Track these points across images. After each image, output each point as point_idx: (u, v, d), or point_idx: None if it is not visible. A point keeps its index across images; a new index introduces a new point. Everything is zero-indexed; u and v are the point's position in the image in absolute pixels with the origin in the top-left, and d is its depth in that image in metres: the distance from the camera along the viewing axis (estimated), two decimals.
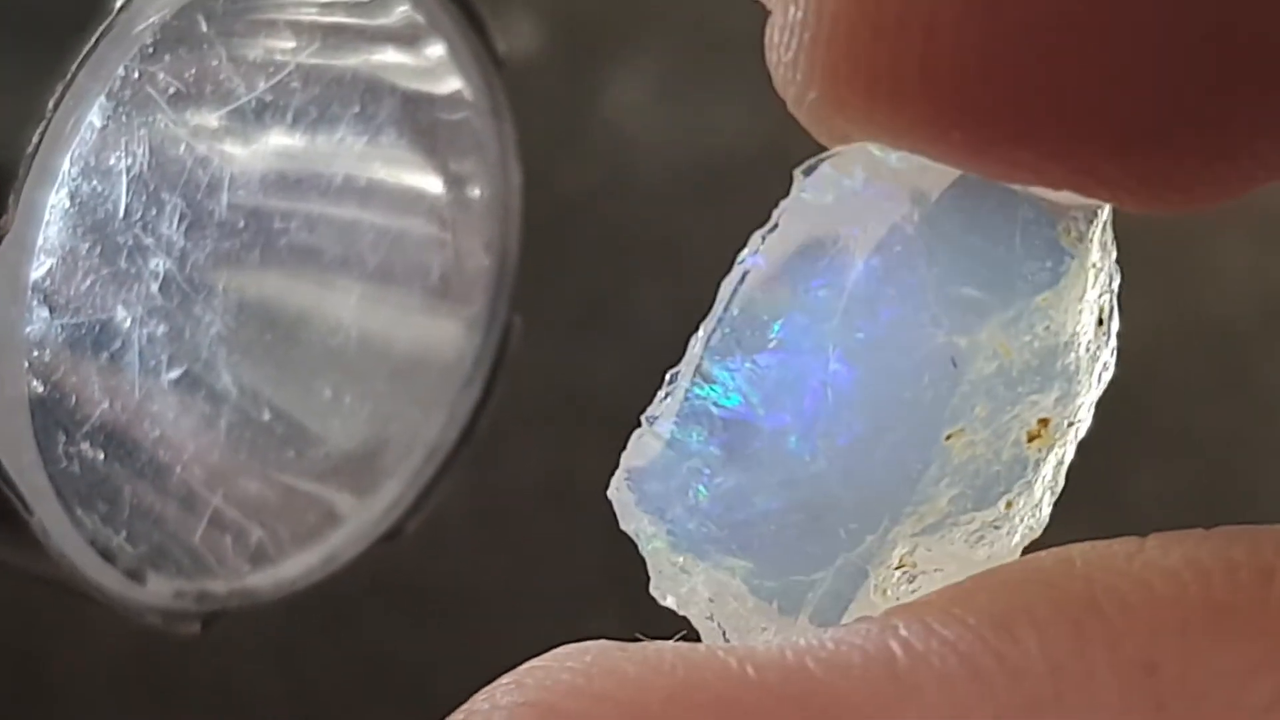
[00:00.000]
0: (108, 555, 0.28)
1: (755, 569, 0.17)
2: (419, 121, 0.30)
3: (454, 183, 0.30)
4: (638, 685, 0.15)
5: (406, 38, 0.29)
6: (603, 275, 0.49)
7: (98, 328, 0.27)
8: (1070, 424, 0.18)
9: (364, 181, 0.30)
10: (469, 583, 0.46)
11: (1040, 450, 0.17)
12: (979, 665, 0.15)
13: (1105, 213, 0.18)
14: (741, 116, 0.46)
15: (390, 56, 0.29)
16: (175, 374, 0.29)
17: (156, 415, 0.29)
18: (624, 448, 0.18)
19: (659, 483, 0.18)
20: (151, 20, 0.26)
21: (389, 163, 0.30)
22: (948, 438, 0.17)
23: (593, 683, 0.15)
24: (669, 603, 0.18)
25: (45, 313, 0.27)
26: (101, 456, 0.28)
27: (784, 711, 0.15)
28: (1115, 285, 0.18)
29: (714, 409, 0.17)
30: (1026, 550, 0.18)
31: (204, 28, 0.27)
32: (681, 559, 0.17)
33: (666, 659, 0.15)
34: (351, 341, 0.31)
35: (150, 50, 0.26)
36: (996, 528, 0.18)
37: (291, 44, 0.28)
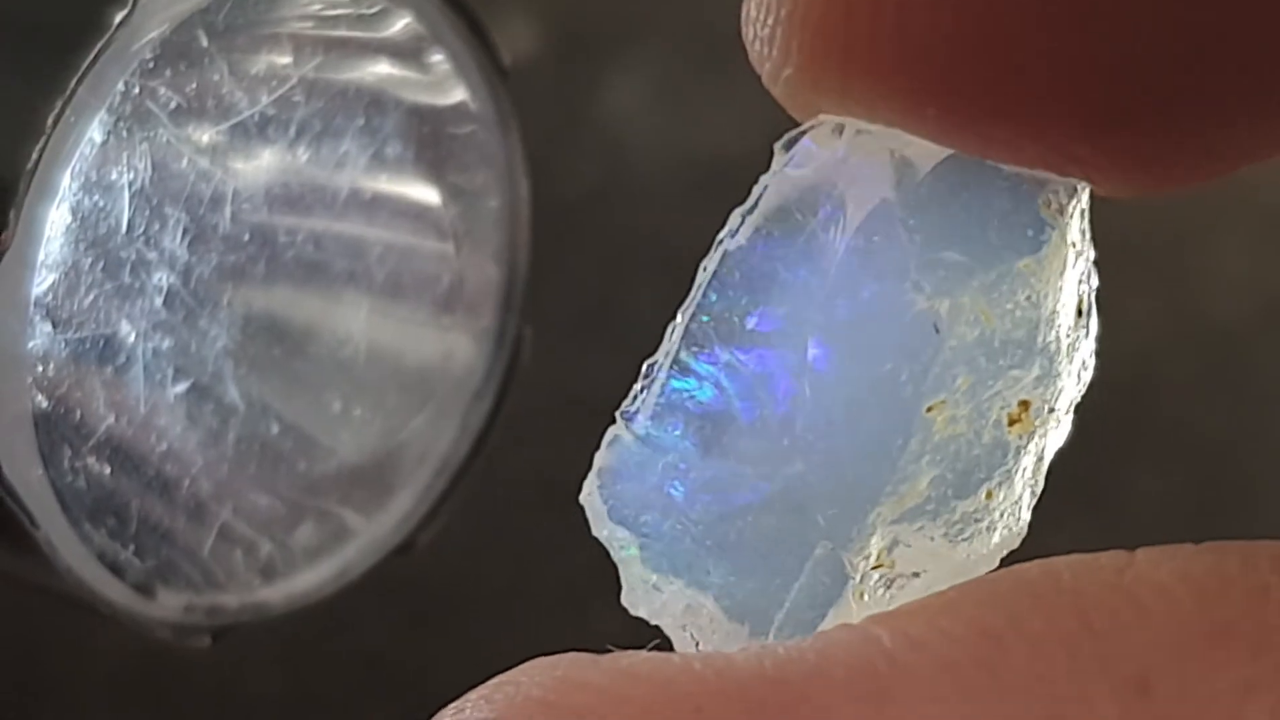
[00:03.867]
0: (116, 569, 0.28)
1: (728, 584, 0.17)
2: (424, 134, 0.30)
3: (461, 195, 0.30)
4: (609, 699, 0.15)
5: (410, 50, 0.29)
6: (602, 279, 0.49)
7: (102, 342, 0.27)
8: (1050, 410, 0.17)
9: (370, 195, 0.30)
10: (469, 585, 0.46)
11: (1021, 437, 0.17)
12: (968, 682, 0.14)
13: (1084, 192, 0.18)
14: (740, 119, 0.46)
15: (394, 69, 0.29)
16: (182, 388, 0.29)
17: (163, 429, 0.28)
18: None
19: (633, 483, 0.17)
20: (151, 35, 0.25)
21: (395, 176, 0.30)
22: (929, 410, 0.17)
23: (563, 698, 0.15)
24: (640, 613, 0.18)
25: (48, 328, 0.27)
26: (108, 471, 0.28)
27: None
28: (1094, 283, 0.18)
29: (690, 402, 0.17)
30: (1010, 560, 0.18)
31: (204, 42, 0.27)
32: (654, 577, 0.17)
33: (640, 670, 0.15)
34: (360, 354, 0.30)
35: (151, 65, 0.26)
36: (977, 520, 0.17)
37: (294, 58, 0.28)
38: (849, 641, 0.15)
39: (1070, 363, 0.17)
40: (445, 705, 0.16)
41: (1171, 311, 0.52)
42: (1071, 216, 0.17)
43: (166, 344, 0.28)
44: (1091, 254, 0.18)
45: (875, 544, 0.17)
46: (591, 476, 0.17)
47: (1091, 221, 0.18)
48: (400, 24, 0.29)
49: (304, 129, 0.29)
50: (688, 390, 0.17)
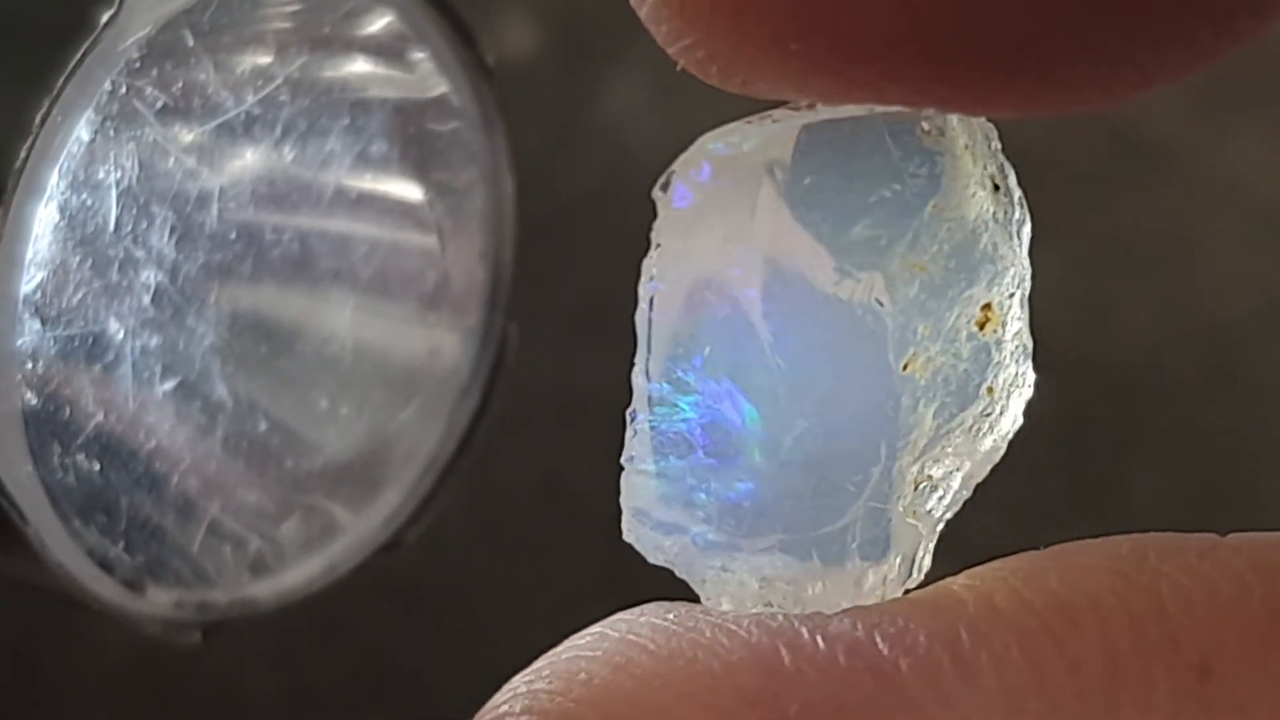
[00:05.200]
0: (106, 566, 0.28)
1: (787, 539, 0.18)
2: (409, 133, 0.30)
3: (447, 194, 0.30)
4: (712, 648, 0.16)
5: (393, 48, 0.29)
6: (598, 278, 0.49)
7: (90, 340, 0.28)
8: (1011, 295, 0.18)
9: (355, 194, 0.30)
10: (467, 584, 0.46)
11: (995, 331, 0.18)
12: (1038, 653, 0.15)
13: None
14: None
15: (378, 67, 0.29)
16: (170, 385, 0.29)
17: (152, 426, 0.29)
18: (619, 449, 0.18)
19: (664, 512, 0.18)
20: (138, 35, 0.26)
21: (380, 174, 0.30)
22: (905, 368, 0.17)
23: (671, 640, 0.16)
24: (725, 607, 0.18)
25: (37, 325, 0.27)
26: (97, 467, 0.28)
27: (848, 684, 0.15)
28: (996, 144, 0.18)
29: (681, 427, 0.18)
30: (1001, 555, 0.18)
31: (190, 42, 0.27)
32: (719, 561, 0.18)
33: (743, 624, 0.16)
34: (347, 352, 0.31)
35: (137, 65, 0.26)
36: (987, 414, 0.18)
37: (279, 57, 0.29)
38: (936, 605, 0.16)
39: (1010, 240, 0.18)
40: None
41: (1172, 311, 0.52)
42: (951, 130, 0.18)
43: (154, 341, 0.28)
44: (985, 132, 0.18)
45: (910, 481, 0.18)
46: (627, 517, 0.18)
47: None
48: (383, 23, 0.29)
49: (289, 128, 0.29)
50: (672, 417, 0.18)
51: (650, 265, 0.18)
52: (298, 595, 0.30)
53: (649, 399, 0.18)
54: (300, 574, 0.30)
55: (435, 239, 0.31)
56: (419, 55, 0.29)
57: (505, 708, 0.16)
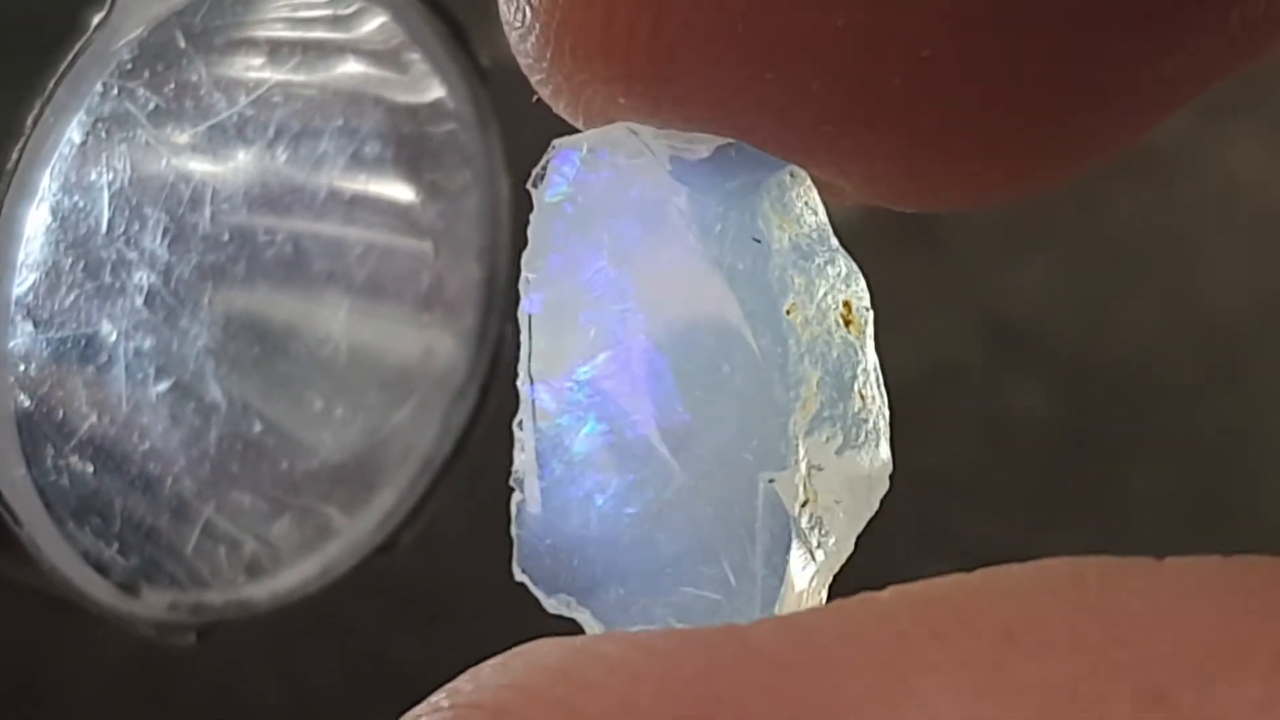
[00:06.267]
0: (100, 568, 0.28)
1: (689, 591, 0.17)
2: (403, 134, 0.30)
3: (441, 195, 0.30)
4: (624, 667, 0.15)
5: (387, 50, 0.29)
6: None
7: (83, 341, 0.28)
8: (867, 308, 0.19)
9: (349, 195, 0.30)
10: (463, 585, 0.46)
11: (857, 335, 0.18)
12: (985, 682, 0.15)
13: None
14: None
15: (372, 69, 0.29)
16: (163, 386, 0.29)
17: (145, 428, 0.29)
18: None
19: (553, 534, 0.18)
20: (129, 37, 0.26)
21: (374, 176, 0.30)
22: (788, 312, 0.18)
23: (580, 664, 0.15)
24: None
25: (30, 327, 0.27)
26: (91, 469, 0.28)
27: (771, 705, 0.15)
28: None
29: (568, 436, 0.18)
30: (1009, 559, 0.18)
31: (183, 44, 0.27)
32: (632, 622, 0.18)
33: (658, 640, 0.15)
34: (341, 354, 0.31)
35: (129, 66, 0.26)
36: (862, 420, 0.18)
37: (271, 59, 0.29)
38: (875, 625, 0.15)
39: (851, 270, 0.19)
40: None
41: (1171, 311, 0.52)
42: None
43: (148, 343, 0.28)
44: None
45: (800, 469, 0.18)
46: (515, 552, 0.18)
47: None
48: (376, 24, 0.29)
49: (282, 129, 0.29)
50: (559, 426, 0.18)
51: (527, 266, 0.18)
52: (293, 597, 0.30)
53: (533, 409, 0.18)
54: (295, 575, 0.30)
55: (430, 241, 0.31)
56: (413, 57, 0.29)
57: None
